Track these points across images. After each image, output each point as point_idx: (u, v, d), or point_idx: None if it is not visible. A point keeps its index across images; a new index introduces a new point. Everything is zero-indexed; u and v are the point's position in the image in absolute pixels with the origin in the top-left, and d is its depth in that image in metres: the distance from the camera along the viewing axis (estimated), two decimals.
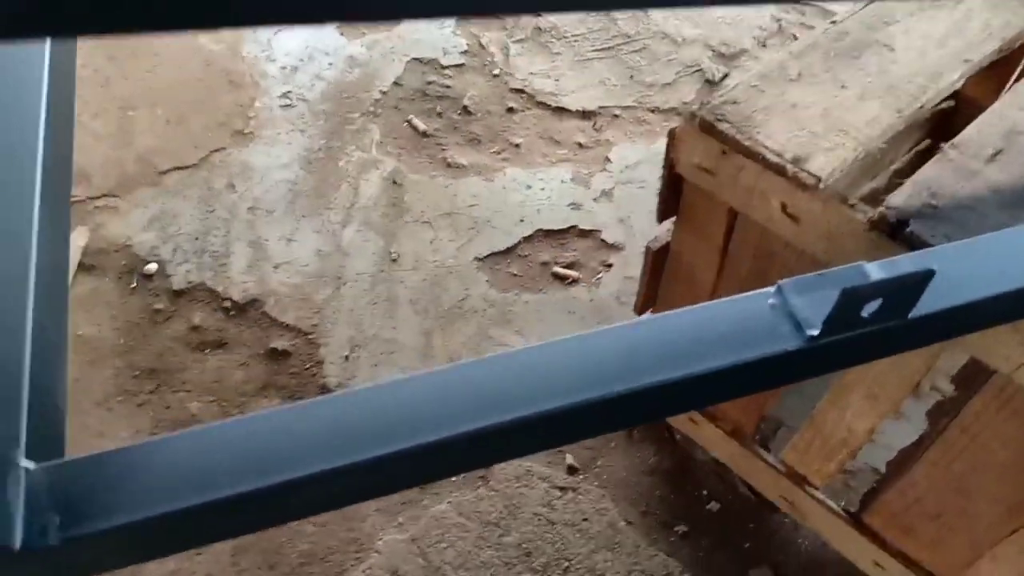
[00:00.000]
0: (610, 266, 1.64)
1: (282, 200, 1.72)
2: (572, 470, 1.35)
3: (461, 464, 0.61)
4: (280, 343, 1.50)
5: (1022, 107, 0.98)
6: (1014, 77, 1.27)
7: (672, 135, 1.00)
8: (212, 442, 0.52)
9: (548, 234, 1.69)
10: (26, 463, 0.53)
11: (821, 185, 0.89)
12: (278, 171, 1.78)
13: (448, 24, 2.16)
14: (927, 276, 0.62)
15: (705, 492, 1.33)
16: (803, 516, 1.27)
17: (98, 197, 1.71)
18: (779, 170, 0.90)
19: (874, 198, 0.99)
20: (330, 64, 2.02)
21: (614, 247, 1.67)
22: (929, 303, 0.65)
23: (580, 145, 1.89)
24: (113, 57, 2.00)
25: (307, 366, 1.47)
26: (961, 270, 0.68)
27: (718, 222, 1.06)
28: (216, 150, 1.81)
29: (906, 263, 0.66)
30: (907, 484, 1.08)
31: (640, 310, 1.29)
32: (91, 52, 2.00)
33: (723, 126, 0.94)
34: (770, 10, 2.26)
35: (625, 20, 2.20)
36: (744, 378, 0.65)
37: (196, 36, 2.07)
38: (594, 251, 1.67)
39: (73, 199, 1.69)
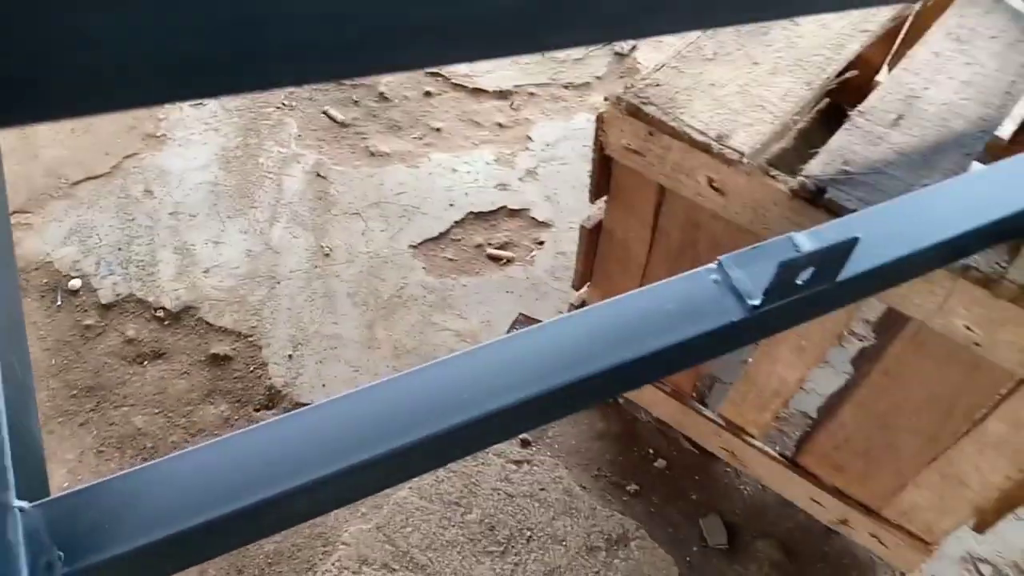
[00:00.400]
0: (542, 243, 1.68)
1: (204, 203, 1.69)
2: (525, 443, 1.40)
3: (432, 463, 0.64)
4: (220, 348, 1.48)
5: (917, 72, 1.06)
6: (898, 41, 1.37)
7: (600, 119, 1.04)
8: (193, 466, 0.54)
9: (478, 216, 1.72)
10: (19, 503, 0.54)
11: (744, 160, 0.94)
12: (196, 173, 1.74)
13: None
14: (851, 243, 0.68)
15: (651, 451, 1.41)
16: (744, 464, 1.36)
17: (10, 215, 1.63)
18: (704, 148, 0.96)
19: (784, 161, 1.05)
20: None
21: (544, 224, 1.71)
22: (854, 266, 0.71)
23: (500, 125, 1.91)
24: None
25: (251, 369, 1.46)
26: (880, 233, 0.75)
27: (647, 199, 1.12)
28: (128, 156, 1.76)
29: (832, 232, 0.73)
30: (836, 426, 1.17)
31: (578, 286, 1.34)
32: None
33: (649, 108, 0.99)
34: None
35: None
36: (696, 350, 0.70)
37: None
38: (525, 230, 1.71)
39: None
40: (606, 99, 1.03)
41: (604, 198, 1.19)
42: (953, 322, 0.89)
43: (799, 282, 0.69)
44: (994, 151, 1.14)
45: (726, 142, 0.95)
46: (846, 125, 0.99)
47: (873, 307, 1.38)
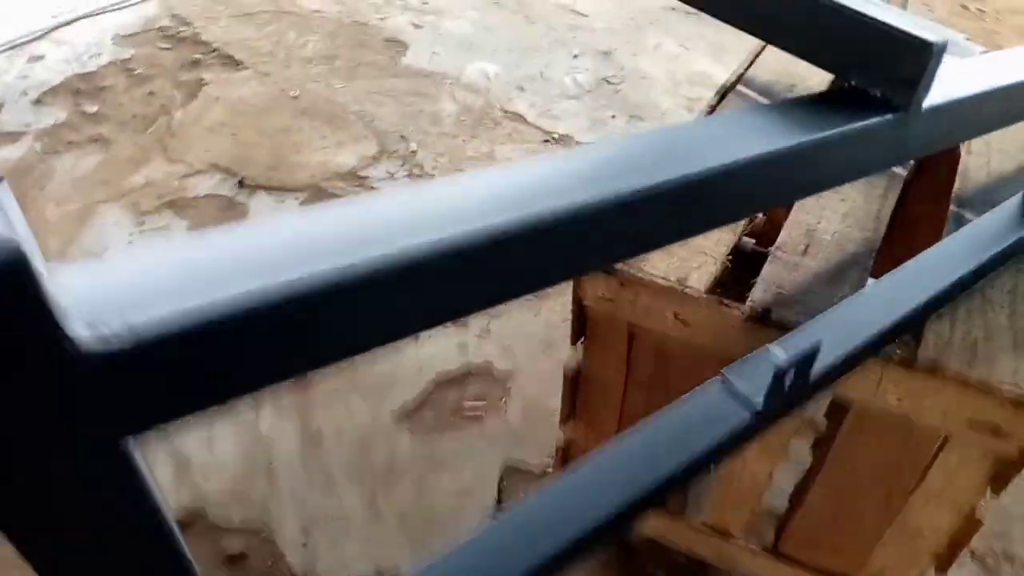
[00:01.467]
0: (509, 392, 1.86)
1: None
2: None
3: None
4: (234, 547, 1.54)
5: (808, 211, 1.36)
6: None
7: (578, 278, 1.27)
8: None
9: (448, 380, 1.88)
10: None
11: (703, 295, 1.18)
12: None
13: (295, 208, 2.34)
14: (817, 347, 0.91)
15: (649, 569, 1.55)
16: (733, 564, 1.53)
17: None
18: (669, 291, 1.19)
19: (728, 293, 1.30)
20: None
21: (507, 375, 1.90)
22: (818, 366, 0.93)
23: None
24: None
25: (268, 563, 1.52)
26: (828, 338, 0.98)
27: (620, 337, 1.33)
28: None
29: (796, 342, 0.95)
30: (807, 509, 1.36)
31: (564, 422, 1.52)
32: None
33: (619, 266, 1.22)
34: (586, 106, 2.67)
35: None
36: (714, 455, 0.89)
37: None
38: (491, 382, 1.88)
39: None
40: None
41: (581, 340, 1.40)
42: (887, 399, 1.13)
43: (786, 385, 0.91)
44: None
45: (685, 283, 1.19)
46: (770, 258, 1.26)
47: (822, 399, 1.62)
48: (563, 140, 2.72)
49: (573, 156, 0.61)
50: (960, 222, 1.34)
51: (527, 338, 1.99)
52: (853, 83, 0.76)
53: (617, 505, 0.80)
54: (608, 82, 3.10)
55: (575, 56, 3.26)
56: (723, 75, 3.23)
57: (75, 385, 0.34)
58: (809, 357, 0.92)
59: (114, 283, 0.39)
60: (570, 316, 1.86)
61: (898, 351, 1.10)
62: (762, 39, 0.94)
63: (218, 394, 0.42)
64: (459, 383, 1.88)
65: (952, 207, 1.38)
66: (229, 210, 2.32)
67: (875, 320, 1.05)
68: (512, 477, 1.69)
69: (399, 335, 0.49)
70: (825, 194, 1.41)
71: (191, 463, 1.66)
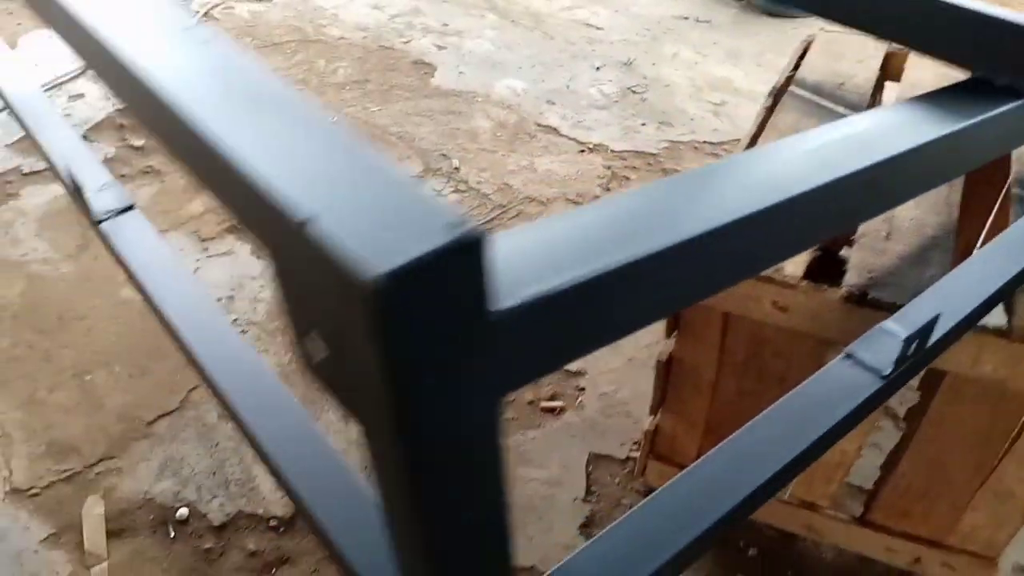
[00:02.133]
0: (583, 389, 1.93)
1: None
2: None
3: None
4: None
5: None
6: None
7: None
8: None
9: None
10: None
11: (801, 283, 1.27)
12: None
13: None
14: (936, 319, 0.99)
15: (742, 543, 1.62)
16: (820, 535, 1.60)
17: (95, 464, 1.72)
18: (768, 280, 1.28)
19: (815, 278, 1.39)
20: (261, 286, 2.19)
21: (578, 373, 1.97)
22: (933, 337, 1.02)
23: None
24: (42, 330, 2.03)
25: None
26: (936, 310, 1.07)
27: (714, 327, 1.41)
28: (192, 388, 1.89)
29: (912, 315, 1.04)
30: (898, 477, 1.45)
31: (654, 411, 1.60)
32: (16, 328, 2.01)
33: None
34: (599, 160, 2.77)
35: (495, 191, 2.60)
36: (848, 423, 0.96)
37: (120, 290, 2.14)
38: (564, 381, 1.96)
39: (71, 472, 1.70)
40: None
41: (674, 333, 1.48)
42: (983, 368, 1.22)
43: (909, 354, 0.99)
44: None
45: (783, 272, 1.28)
46: (855, 246, 1.35)
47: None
48: (598, 149, 2.82)
49: (772, 152, 0.68)
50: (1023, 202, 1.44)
51: None
52: (982, 75, 0.85)
53: (756, 485, 0.86)
54: (633, 91, 3.21)
55: (597, 68, 3.37)
56: (742, 79, 3.36)
57: (487, 345, 0.39)
58: (928, 327, 1.00)
59: (514, 254, 0.46)
60: None
61: (991, 324, 1.18)
62: (890, 40, 1.03)
63: (577, 350, 0.49)
64: (535, 382, 1.95)
65: (1015, 189, 1.47)
66: None
67: (972, 295, 1.14)
68: (598, 466, 1.76)
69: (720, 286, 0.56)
70: None
71: None
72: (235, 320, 2.08)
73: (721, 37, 3.68)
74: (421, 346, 0.37)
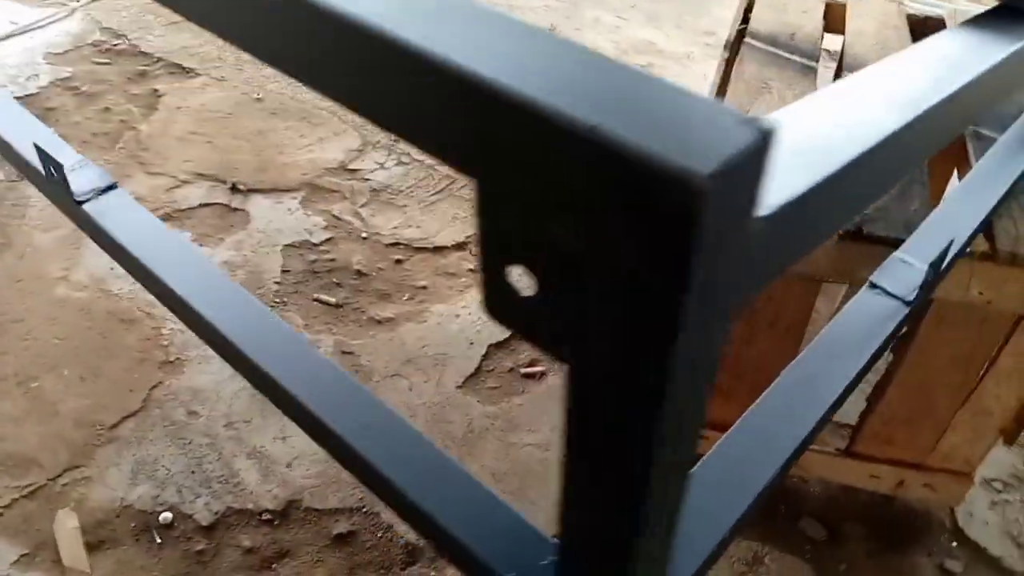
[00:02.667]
0: None
1: (252, 406, 1.76)
2: None
3: None
4: (340, 527, 1.55)
5: None
6: None
7: None
8: None
9: (498, 346, 1.94)
10: None
11: None
12: (230, 383, 1.80)
13: (295, 208, 2.32)
14: (949, 245, 1.04)
15: None
16: (806, 470, 1.67)
17: (59, 475, 1.60)
18: None
19: None
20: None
21: None
22: (945, 261, 1.06)
23: (472, 271, 2.17)
24: None
25: (379, 535, 1.54)
26: (938, 238, 1.11)
27: None
28: (154, 387, 1.78)
29: (923, 244, 1.08)
30: (884, 406, 1.52)
31: None
32: None
33: None
34: None
35: (441, 164, 2.55)
36: (880, 351, 0.99)
37: (54, 288, 1.99)
38: None
39: (33, 486, 1.57)
40: None
41: None
42: (970, 292, 1.28)
43: (929, 279, 1.03)
44: None
45: None
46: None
47: None
48: None
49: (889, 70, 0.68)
50: (980, 137, 1.52)
51: None
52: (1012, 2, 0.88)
53: (814, 422, 0.88)
54: None
55: None
56: (664, 41, 3.41)
57: (747, 250, 0.37)
58: (944, 253, 1.04)
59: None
60: None
61: (976, 248, 1.25)
62: None
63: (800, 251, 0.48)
64: (511, 350, 1.94)
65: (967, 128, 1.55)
66: (228, 216, 2.28)
67: (967, 222, 1.19)
68: None
69: None
70: None
71: (273, 459, 1.66)
72: None
73: (640, 1, 3.72)
74: (709, 252, 0.35)
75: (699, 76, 3.16)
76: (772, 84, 1.66)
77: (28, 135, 1.16)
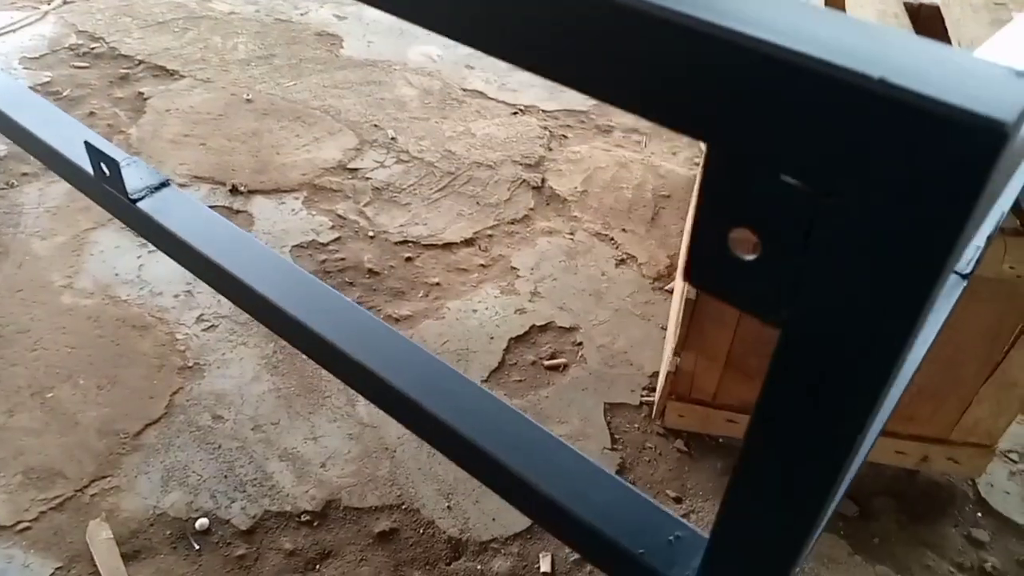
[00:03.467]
0: (580, 344, 1.95)
1: (279, 409, 1.73)
2: (678, 500, 1.63)
3: None
4: (382, 525, 1.54)
5: None
6: None
7: None
8: None
9: (518, 340, 1.95)
10: None
11: None
12: (253, 386, 1.78)
13: (299, 209, 2.30)
14: (1002, 216, 1.07)
15: None
16: None
17: (87, 485, 1.56)
18: None
19: None
20: None
21: (572, 329, 1.98)
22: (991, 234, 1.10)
23: (483, 266, 2.17)
24: None
25: (421, 531, 1.54)
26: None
27: None
28: (175, 392, 1.75)
29: None
30: (911, 383, 1.55)
31: (678, 352, 1.63)
32: None
33: None
34: (534, 121, 2.77)
35: (440, 159, 2.54)
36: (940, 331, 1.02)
37: (59, 297, 1.94)
38: (560, 338, 1.96)
39: (60, 498, 1.53)
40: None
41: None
42: (1001, 267, 1.33)
43: (981, 254, 1.07)
44: None
45: None
46: None
47: None
48: (529, 110, 2.81)
49: None
50: None
51: (577, 294, 2.08)
52: None
53: (891, 405, 0.90)
54: None
55: None
56: None
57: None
58: (994, 229, 1.08)
59: None
60: (603, 271, 2.00)
61: (1008, 226, 1.30)
62: None
63: None
64: (532, 343, 1.94)
65: None
66: (231, 218, 2.24)
67: (1006, 199, 1.23)
68: (616, 415, 1.78)
69: None
70: None
71: (306, 460, 1.64)
72: (200, 316, 1.93)
73: None
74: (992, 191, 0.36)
75: None
76: None
77: (73, 135, 1.14)
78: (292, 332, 0.95)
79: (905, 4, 2.05)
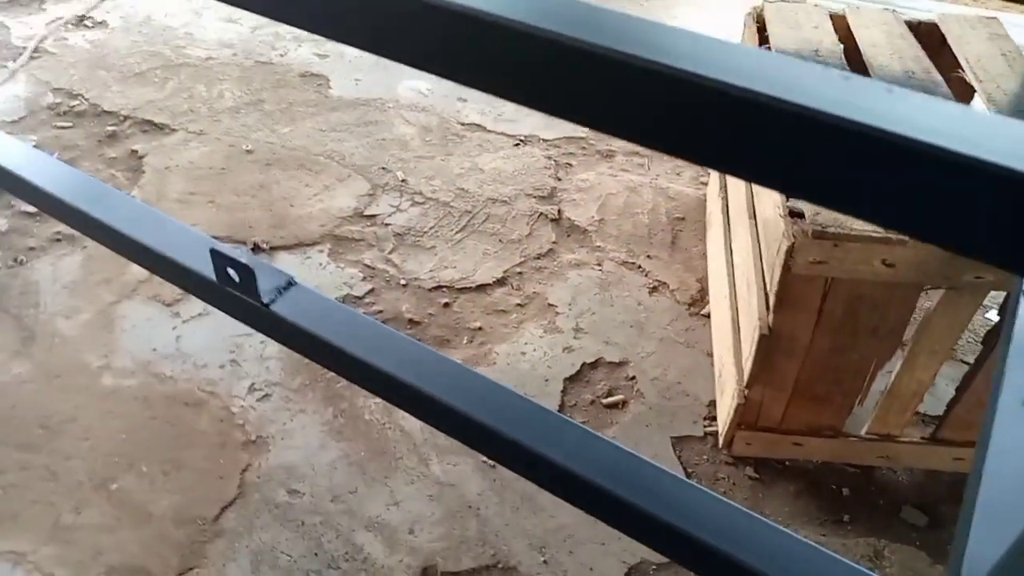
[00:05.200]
0: (633, 378, 1.98)
1: (353, 476, 1.72)
2: None
3: None
4: None
5: None
6: None
7: (790, 250, 1.43)
8: None
9: (572, 380, 1.97)
10: None
11: (907, 240, 1.39)
12: (322, 454, 1.76)
13: (326, 263, 2.27)
14: None
15: (833, 486, 1.76)
16: (896, 461, 1.78)
17: None
18: (883, 240, 1.39)
19: None
20: (261, 342, 2.01)
21: (622, 363, 2.01)
22: None
23: (520, 305, 2.18)
24: (28, 445, 1.73)
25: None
26: None
27: (816, 294, 1.51)
28: (244, 470, 1.72)
29: None
30: (971, 394, 1.64)
31: (750, 385, 1.67)
32: None
33: (831, 229, 1.40)
34: (538, 151, 2.79)
35: (455, 198, 2.54)
36: None
37: (99, 379, 1.88)
38: (612, 374, 1.99)
39: None
40: (793, 236, 1.42)
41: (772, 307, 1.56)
42: None
43: None
44: None
45: (891, 232, 1.39)
46: None
47: (997, 297, 1.88)
48: (531, 140, 2.83)
49: None
50: None
51: (618, 326, 2.11)
52: None
53: None
54: None
55: None
56: None
57: None
58: None
59: None
60: (638, 301, 2.04)
61: None
62: None
63: None
64: (586, 382, 1.97)
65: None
66: None
67: None
68: (683, 448, 1.82)
69: None
70: None
71: (393, 527, 1.63)
72: (252, 385, 1.89)
73: None
74: None
75: None
76: None
77: (192, 242, 1.11)
78: (451, 422, 0.95)
79: (906, 22, 2.14)
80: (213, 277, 1.08)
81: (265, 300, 1.07)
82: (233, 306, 1.10)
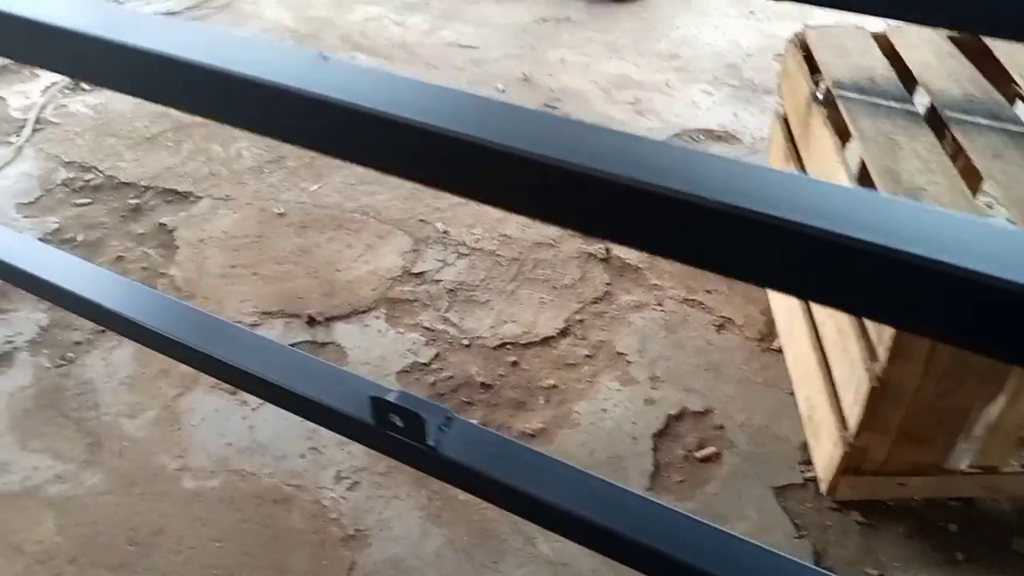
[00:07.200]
0: (721, 427, 1.95)
1: (462, 565, 1.68)
2: None
3: None
4: None
5: None
6: None
7: None
8: None
9: (660, 435, 1.94)
10: None
11: None
12: (425, 543, 1.71)
13: (385, 329, 2.22)
14: None
15: (940, 523, 1.75)
16: (999, 492, 1.77)
17: None
18: None
19: None
20: None
21: (707, 412, 1.99)
22: None
23: (589, 356, 2.15)
24: (119, 565, 1.67)
25: None
26: None
27: (924, 344, 1.49)
28: (350, 569, 1.67)
29: None
30: None
31: (859, 433, 1.66)
32: (83, 574, 1.65)
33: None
34: None
35: (499, 246, 2.50)
36: None
37: (179, 483, 1.81)
38: (699, 423, 1.97)
39: None
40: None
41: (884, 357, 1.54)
42: None
43: None
44: None
45: None
46: None
47: None
48: None
49: None
50: (961, 123, 1.66)
51: (694, 370, 2.09)
52: None
53: None
54: (550, 107, 3.20)
55: (502, 90, 3.31)
56: (636, 72, 3.47)
57: None
58: None
59: None
60: (708, 340, 2.03)
61: None
62: None
63: None
64: (675, 436, 1.94)
65: (947, 113, 1.68)
66: (320, 352, 2.15)
67: None
68: (786, 497, 1.80)
69: None
70: None
71: None
72: (338, 473, 1.84)
73: (590, 33, 3.76)
74: None
75: (687, 103, 3.24)
76: (897, 138, 1.74)
77: (348, 389, 1.07)
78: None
79: (950, 38, 2.13)
80: (371, 421, 1.04)
81: (431, 443, 1.03)
82: (396, 451, 1.06)
